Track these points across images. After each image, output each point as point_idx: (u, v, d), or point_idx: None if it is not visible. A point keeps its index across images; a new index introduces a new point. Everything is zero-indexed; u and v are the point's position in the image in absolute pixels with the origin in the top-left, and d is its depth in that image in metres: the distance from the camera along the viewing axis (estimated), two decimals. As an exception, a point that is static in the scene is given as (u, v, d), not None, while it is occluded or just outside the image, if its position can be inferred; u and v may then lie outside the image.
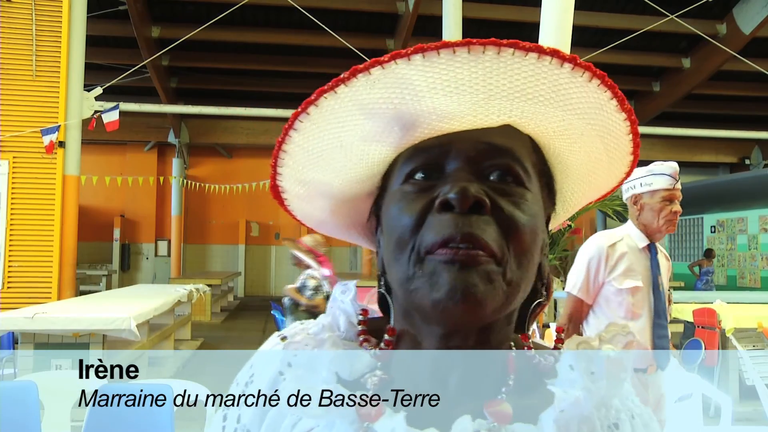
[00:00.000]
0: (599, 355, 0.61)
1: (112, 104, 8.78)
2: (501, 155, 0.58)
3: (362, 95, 0.56)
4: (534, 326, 6.39)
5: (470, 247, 0.53)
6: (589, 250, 2.75)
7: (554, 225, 0.73)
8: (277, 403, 0.61)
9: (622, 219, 8.53)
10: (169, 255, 18.20)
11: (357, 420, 0.57)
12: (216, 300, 13.12)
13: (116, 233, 17.77)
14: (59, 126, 8.25)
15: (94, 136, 10.00)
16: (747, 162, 18.65)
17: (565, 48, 7.08)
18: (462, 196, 0.54)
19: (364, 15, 12.89)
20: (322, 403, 0.57)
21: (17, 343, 5.30)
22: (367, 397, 0.58)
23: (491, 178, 0.58)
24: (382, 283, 0.66)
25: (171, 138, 16.95)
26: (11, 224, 8.15)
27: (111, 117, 8.66)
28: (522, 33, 12.82)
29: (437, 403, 0.58)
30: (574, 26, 7.23)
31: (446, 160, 0.58)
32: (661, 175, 2.79)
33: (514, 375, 0.61)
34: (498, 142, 0.58)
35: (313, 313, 4.61)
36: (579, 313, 2.76)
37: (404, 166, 0.60)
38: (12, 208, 8.17)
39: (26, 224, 8.20)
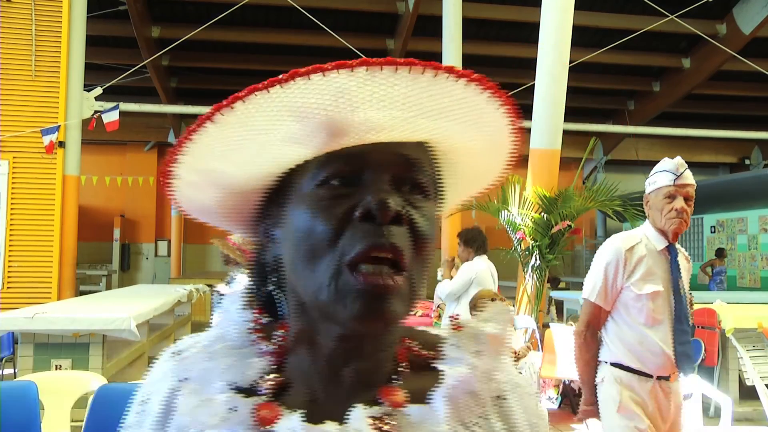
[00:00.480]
0: (482, 333, 0.65)
1: (112, 104, 8.78)
2: (414, 168, 0.61)
3: (296, 98, 0.57)
4: (534, 326, 6.40)
5: (390, 264, 0.56)
6: (606, 254, 2.65)
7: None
8: (173, 421, 0.62)
9: (622, 219, 8.53)
10: (169, 255, 18.20)
11: (255, 426, 0.58)
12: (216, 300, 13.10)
13: (116, 233, 17.77)
14: (59, 126, 8.25)
15: (94, 136, 10.00)
16: (747, 162, 18.66)
17: (566, 48, 7.08)
18: (385, 208, 0.56)
19: (364, 15, 12.90)
20: (220, 415, 0.58)
21: (17, 343, 5.30)
22: (264, 401, 0.60)
23: (403, 189, 0.60)
24: (274, 279, 0.67)
25: (171, 138, 16.95)
26: (11, 224, 8.16)
27: (111, 117, 8.66)
28: (522, 33, 12.84)
29: (333, 398, 0.61)
30: (573, 26, 7.23)
31: (364, 170, 0.59)
32: (662, 172, 2.64)
33: (409, 362, 0.64)
34: (412, 155, 0.61)
35: None
36: (597, 320, 2.67)
37: (319, 171, 0.60)
38: (12, 208, 8.18)
39: (26, 224, 8.20)
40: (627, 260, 2.59)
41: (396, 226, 0.56)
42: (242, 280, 4.55)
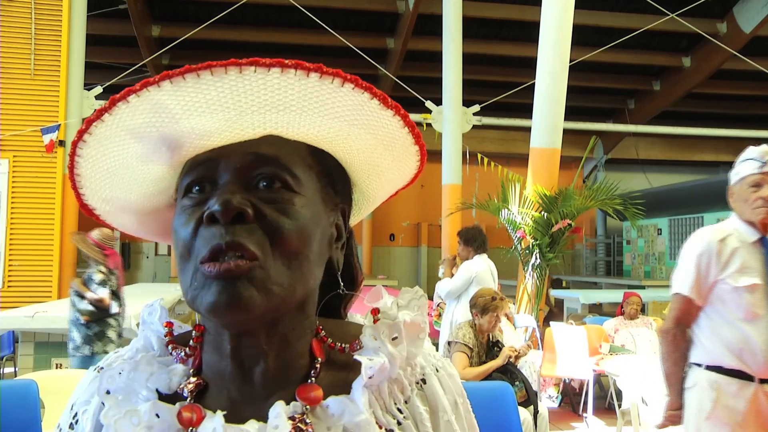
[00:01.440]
0: (398, 321, 0.66)
1: (112, 103, 8.77)
2: (267, 164, 0.61)
3: (127, 121, 0.60)
4: (535, 324, 6.40)
5: (235, 256, 0.57)
6: (696, 246, 2.45)
7: (362, 215, 0.79)
8: None
9: (622, 218, 8.52)
10: (169, 254, 18.20)
11: (181, 429, 0.59)
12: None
13: (116, 232, 17.73)
14: (59, 125, 8.25)
15: (94, 135, 9.98)
16: (747, 161, 18.62)
17: (566, 46, 7.08)
18: (224, 208, 0.57)
19: (364, 14, 12.88)
20: (144, 424, 0.59)
21: (17, 342, 5.30)
22: (186, 404, 0.61)
23: (260, 186, 0.61)
24: None
25: (171, 137, 16.95)
26: (11, 223, 8.16)
27: (111, 116, 8.65)
28: (522, 32, 12.83)
29: (251, 398, 0.62)
30: (574, 25, 7.22)
31: (217, 173, 0.61)
32: (747, 161, 2.47)
33: (322, 357, 0.65)
34: (264, 151, 0.62)
35: (97, 306, 4.47)
36: (687, 316, 2.47)
37: (183, 180, 0.63)
38: (12, 207, 8.18)
39: (26, 223, 8.20)
40: (720, 251, 2.41)
41: (241, 224, 0.58)
42: (98, 277, 4.49)
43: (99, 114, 0.59)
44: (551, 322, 6.30)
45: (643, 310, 6.41)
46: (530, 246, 6.73)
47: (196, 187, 0.62)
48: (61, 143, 8.30)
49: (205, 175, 0.62)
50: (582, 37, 11.02)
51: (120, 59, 12.27)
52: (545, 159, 7.08)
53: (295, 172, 0.63)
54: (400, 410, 0.65)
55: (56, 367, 5.02)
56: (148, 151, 0.62)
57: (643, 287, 12.10)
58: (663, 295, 9.37)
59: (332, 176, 0.69)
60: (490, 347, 4.05)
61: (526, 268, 6.83)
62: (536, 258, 6.70)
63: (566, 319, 7.92)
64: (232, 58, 0.61)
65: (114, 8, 11.31)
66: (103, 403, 0.63)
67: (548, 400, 5.90)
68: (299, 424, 0.59)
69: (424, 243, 17.52)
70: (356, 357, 0.63)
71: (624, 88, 16.31)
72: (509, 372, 3.87)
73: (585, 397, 5.51)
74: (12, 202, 8.18)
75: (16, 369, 5.22)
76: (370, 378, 0.62)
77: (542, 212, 6.68)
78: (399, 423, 0.64)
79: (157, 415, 0.60)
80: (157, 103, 0.58)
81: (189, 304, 0.60)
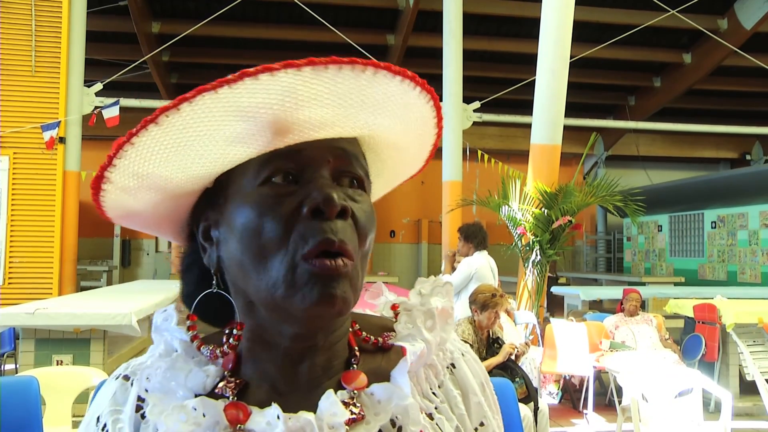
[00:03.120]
0: (432, 308, 0.68)
1: (112, 100, 8.78)
2: (352, 162, 0.63)
3: (243, 98, 0.57)
4: (535, 321, 6.40)
5: (340, 254, 0.58)
6: None
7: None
8: None
9: (623, 214, 8.52)
10: (170, 251, 18.20)
11: (228, 426, 0.59)
12: (216, 296, 13.11)
13: (117, 229, 17.76)
14: (59, 122, 8.25)
15: (94, 131, 9.97)
16: (748, 157, 18.63)
17: (566, 43, 7.06)
18: (331, 203, 0.58)
19: (364, 10, 12.87)
20: (192, 420, 0.58)
21: (18, 339, 5.31)
22: (230, 402, 0.61)
23: (343, 183, 0.63)
24: (214, 282, 0.67)
25: (171, 134, 16.93)
26: (12, 220, 8.16)
27: (111, 113, 8.66)
28: (522, 28, 12.81)
29: (296, 391, 0.63)
30: (574, 21, 7.21)
31: (305, 166, 0.61)
32: None
33: (358, 347, 0.67)
34: (349, 149, 0.63)
35: None
36: None
37: (262, 169, 0.61)
38: (13, 204, 8.18)
39: (27, 220, 8.21)
40: None
41: (341, 221, 0.59)
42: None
43: (218, 85, 0.56)
44: (551, 318, 6.30)
45: (643, 306, 6.42)
46: (530, 242, 6.73)
47: (279, 178, 0.61)
48: (62, 140, 8.30)
49: (290, 166, 0.61)
50: (582, 33, 11.01)
51: (120, 56, 12.25)
52: (546, 155, 7.08)
53: (364, 172, 0.66)
54: (435, 394, 0.67)
55: (57, 364, 5.02)
56: (249, 132, 0.59)
57: (643, 284, 12.10)
58: (663, 291, 9.37)
59: (369, 178, 0.70)
60: (490, 344, 4.05)
61: (526, 265, 6.83)
62: (536, 254, 6.70)
63: (566, 315, 7.93)
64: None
65: (114, 5, 11.30)
66: (139, 406, 0.64)
67: (548, 396, 5.91)
68: (351, 408, 0.61)
69: (424, 239, 17.52)
70: (398, 343, 0.66)
71: (624, 85, 16.29)
72: (509, 368, 3.88)
73: (585, 394, 5.51)
74: (12, 199, 8.18)
75: (17, 366, 5.22)
76: (411, 364, 0.64)
77: (542, 209, 6.68)
78: (436, 407, 0.66)
79: (204, 414, 0.59)
80: (287, 87, 0.57)
81: (276, 300, 0.59)
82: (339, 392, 0.61)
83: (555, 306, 9.50)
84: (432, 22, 12.06)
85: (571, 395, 5.89)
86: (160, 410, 0.59)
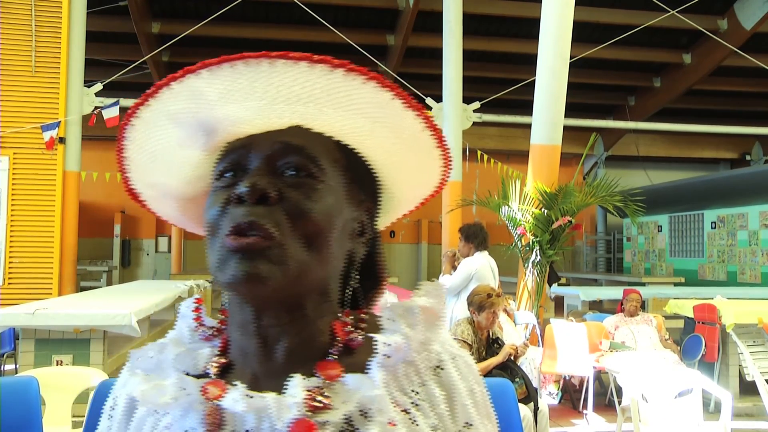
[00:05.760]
0: (414, 306, 0.69)
1: (112, 100, 8.78)
2: (294, 153, 0.65)
3: (169, 106, 0.65)
4: (535, 321, 6.40)
5: (255, 234, 0.60)
6: None
7: (390, 219, 0.83)
8: (135, 414, 0.68)
9: (623, 215, 8.53)
10: (169, 251, 18.20)
11: (204, 402, 0.63)
12: (216, 296, 13.09)
13: (117, 229, 17.77)
14: (59, 122, 8.25)
15: (94, 132, 9.98)
16: (747, 158, 18.64)
17: (566, 43, 7.06)
18: (250, 189, 0.61)
19: (364, 10, 12.88)
20: (171, 395, 0.64)
21: (18, 339, 5.30)
22: (211, 380, 0.65)
23: (287, 173, 0.64)
24: None
25: (171, 134, 16.94)
26: (12, 220, 8.16)
27: (111, 113, 8.66)
28: (522, 28, 12.81)
29: (272, 374, 0.65)
30: (574, 22, 7.21)
31: (248, 160, 0.66)
32: None
33: (342, 338, 0.68)
34: (292, 141, 0.65)
35: None
36: None
37: (217, 166, 0.68)
38: (12, 204, 8.18)
39: (27, 220, 8.20)
40: None
41: (264, 205, 0.61)
42: None
43: (144, 99, 0.65)
44: (551, 319, 6.30)
45: (643, 306, 6.42)
46: (530, 243, 6.73)
47: (229, 173, 0.66)
48: (62, 140, 8.30)
49: (237, 161, 0.66)
50: (582, 33, 11.01)
51: (120, 56, 12.26)
52: (545, 156, 7.08)
53: (320, 163, 0.66)
54: (416, 392, 0.67)
55: (57, 364, 5.02)
56: (186, 136, 0.67)
57: (643, 284, 12.10)
58: (663, 291, 9.38)
59: (358, 173, 0.72)
60: (489, 344, 4.05)
61: (526, 265, 6.83)
62: (536, 255, 6.70)
63: (566, 315, 7.93)
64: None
65: (114, 5, 11.31)
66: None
67: (548, 396, 5.91)
68: (317, 396, 0.62)
69: (424, 240, 17.52)
70: (372, 335, 0.66)
71: (624, 85, 16.29)
72: (509, 368, 3.87)
73: (585, 394, 5.51)
74: (12, 199, 8.18)
75: (17, 366, 5.22)
76: (386, 357, 0.64)
77: (542, 209, 6.68)
78: (415, 404, 0.66)
79: (183, 389, 0.63)
80: (195, 90, 0.63)
81: (215, 279, 0.63)
82: (311, 378, 0.63)
83: (555, 306, 9.50)
84: (432, 22, 12.06)
85: (571, 395, 5.89)
86: (142, 387, 0.65)
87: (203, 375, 0.66)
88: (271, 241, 0.60)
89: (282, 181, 0.64)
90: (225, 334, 0.70)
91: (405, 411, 0.64)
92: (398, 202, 0.80)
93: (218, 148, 0.68)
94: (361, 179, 0.72)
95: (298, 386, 0.62)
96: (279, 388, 0.62)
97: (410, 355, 0.67)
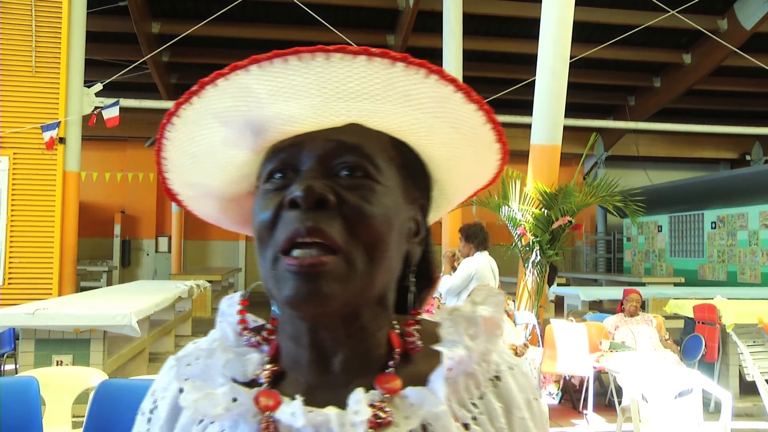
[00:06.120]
0: (476, 316, 0.66)
1: (112, 100, 8.78)
2: (350, 152, 0.61)
3: (214, 105, 0.61)
4: (535, 321, 6.40)
5: (316, 244, 0.57)
6: None
7: (440, 213, 0.78)
8: (179, 420, 0.66)
9: (623, 215, 8.53)
10: (169, 251, 18.21)
11: (258, 413, 0.60)
12: (216, 296, 13.12)
13: (117, 229, 17.78)
14: (59, 122, 8.25)
15: (94, 132, 9.99)
16: (747, 158, 18.64)
17: (566, 43, 7.07)
18: (306, 193, 0.57)
19: (364, 10, 12.88)
20: (223, 405, 0.60)
21: (18, 339, 5.31)
22: (263, 390, 0.62)
23: (342, 174, 0.61)
24: None
25: (171, 134, 16.94)
26: (12, 220, 8.16)
27: (111, 113, 8.66)
28: (522, 28, 12.82)
29: (329, 386, 0.62)
30: (574, 22, 7.21)
31: (300, 160, 0.61)
32: None
33: (401, 349, 0.65)
34: (346, 139, 0.61)
35: None
36: None
37: (265, 166, 0.64)
38: (12, 205, 8.18)
39: (27, 220, 8.20)
40: None
41: (322, 210, 0.58)
42: None
43: (188, 97, 0.60)
44: (551, 319, 6.30)
45: (643, 306, 6.42)
46: (530, 243, 6.73)
47: (279, 174, 0.62)
48: (62, 140, 8.30)
49: (287, 161, 0.62)
50: (582, 33, 11.02)
51: (120, 56, 12.27)
52: (545, 156, 7.08)
53: (377, 162, 0.62)
54: (475, 405, 0.64)
55: (57, 364, 5.02)
56: (233, 135, 0.63)
57: (643, 284, 12.11)
58: (663, 291, 9.39)
59: (413, 170, 0.68)
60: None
61: (526, 265, 6.84)
62: (536, 255, 6.70)
63: (566, 315, 7.93)
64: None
65: (114, 5, 11.31)
66: (181, 389, 0.65)
67: (548, 396, 5.91)
68: (378, 412, 0.59)
69: (424, 240, 17.52)
70: (436, 347, 0.63)
71: (624, 85, 16.29)
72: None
73: (585, 394, 5.51)
74: (12, 200, 8.18)
75: (17, 366, 5.22)
76: (449, 370, 0.62)
77: (542, 209, 6.68)
78: (474, 418, 0.63)
79: (235, 399, 0.60)
80: (244, 87, 0.59)
81: (267, 291, 0.61)
82: (371, 391, 0.60)
83: (555, 306, 9.50)
84: (432, 22, 12.06)
85: (571, 396, 5.89)
86: (193, 396, 0.61)
87: (252, 382, 0.64)
88: (333, 255, 0.57)
89: (337, 183, 0.60)
90: (274, 340, 0.67)
91: (465, 426, 0.62)
92: (450, 196, 0.77)
93: (266, 147, 0.64)
94: (415, 176, 0.69)
95: (362, 401, 0.58)
96: (336, 401, 0.60)
97: (471, 366, 0.64)
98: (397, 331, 0.67)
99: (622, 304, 6.02)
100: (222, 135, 0.63)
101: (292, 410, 0.58)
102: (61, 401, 3.29)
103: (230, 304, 0.71)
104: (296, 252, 0.57)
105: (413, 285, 0.70)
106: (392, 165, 0.64)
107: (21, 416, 2.73)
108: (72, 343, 5.15)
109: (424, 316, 0.73)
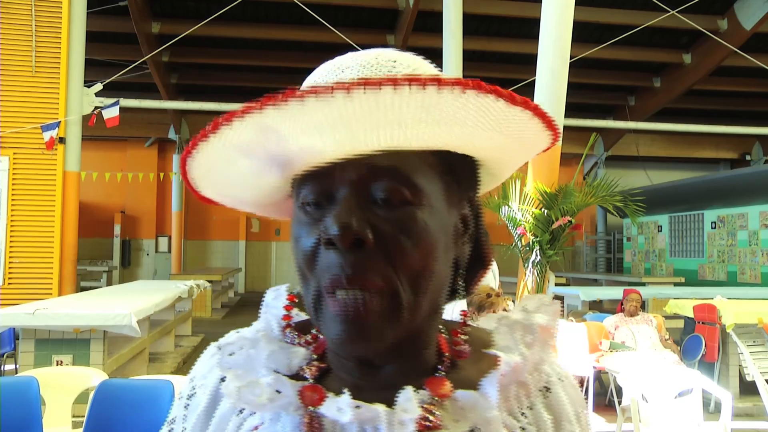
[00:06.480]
0: (533, 324, 0.65)
1: (112, 100, 8.78)
2: (384, 176, 0.57)
3: (235, 139, 0.56)
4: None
5: (359, 290, 0.54)
6: None
7: (488, 188, 0.73)
8: (218, 408, 0.64)
9: (623, 215, 8.53)
10: (169, 251, 18.21)
11: (301, 407, 0.59)
12: (216, 296, 13.13)
13: (117, 229, 17.79)
14: (59, 122, 8.25)
15: (94, 132, 9.99)
16: (747, 158, 18.64)
17: (566, 43, 7.06)
18: (342, 233, 0.54)
19: (364, 10, 12.88)
20: (266, 395, 0.59)
21: (18, 339, 5.31)
22: (308, 384, 0.60)
23: (379, 200, 0.57)
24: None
25: (171, 134, 16.95)
26: (12, 220, 8.16)
27: (111, 113, 8.66)
28: (522, 28, 12.82)
29: (376, 386, 0.61)
30: (574, 22, 7.21)
31: (333, 187, 0.58)
32: None
33: (450, 353, 0.64)
34: (380, 162, 0.57)
35: None
36: None
37: (299, 191, 0.60)
38: (12, 205, 8.18)
39: (27, 220, 8.21)
40: None
41: (360, 250, 0.55)
42: None
43: (204, 135, 0.56)
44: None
45: (643, 306, 6.42)
46: (530, 243, 6.73)
47: (312, 202, 0.59)
48: (62, 140, 8.31)
49: (319, 189, 0.58)
50: (582, 33, 11.02)
51: (120, 56, 12.27)
52: (545, 156, 7.05)
53: (416, 182, 0.58)
54: (524, 414, 0.63)
55: (57, 364, 5.02)
56: (258, 166, 0.59)
57: (643, 284, 12.11)
58: (663, 292, 9.38)
59: (456, 171, 0.63)
60: (490, 344, 4.05)
61: (526, 265, 6.83)
62: (536, 255, 6.70)
63: (566, 315, 7.93)
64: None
65: (114, 5, 11.31)
66: (222, 378, 0.64)
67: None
68: (428, 414, 0.57)
69: (424, 240, 17.52)
70: (492, 351, 0.63)
71: (624, 85, 16.29)
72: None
73: (585, 394, 5.51)
74: (12, 199, 8.19)
75: (17, 366, 5.22)
76: (503, 375, 0.60)
77: (542, 209, 6.67)
78: (522, 428, 0.62)
79: (279, 391, 0.59)
80: (261, 125, 0.54)
81: (312, 322, 0.59)
82: (421, 392, 0.59)
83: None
84: (432, 22, 12.06)
85: (571, 395, 5.89)
86: (236, 384, 0.60)
87: (296, 376, 0.62)
88: (378, 296, 0.55)
89: (375, 214, 0.56)
90: (322, 340, 0.65)
91: None
92: (499, 175, 0.72)
93: (293, 174, 0.60)
94: (458, 174, 0.64)
95: (412, 400, 0.57)
96: (383, 400, 0.57)
97: (524, 375, 0.63)
98: (445, 335, 0.66)
99: (622, 304, 6.02)
100: (247, 165, 0.60)
101: (338, 405, 0.57)
102: (61, 401, 3.29)
103: (276, 297, 0.70)
104: (339, 295, 0.55)
105: (462, 289, 0.67)
106: (433, 174, 0.60)
107: (21, 416, 2.73)
108: (72, 343, 5.16)
109: (468, 321, 0.71)
